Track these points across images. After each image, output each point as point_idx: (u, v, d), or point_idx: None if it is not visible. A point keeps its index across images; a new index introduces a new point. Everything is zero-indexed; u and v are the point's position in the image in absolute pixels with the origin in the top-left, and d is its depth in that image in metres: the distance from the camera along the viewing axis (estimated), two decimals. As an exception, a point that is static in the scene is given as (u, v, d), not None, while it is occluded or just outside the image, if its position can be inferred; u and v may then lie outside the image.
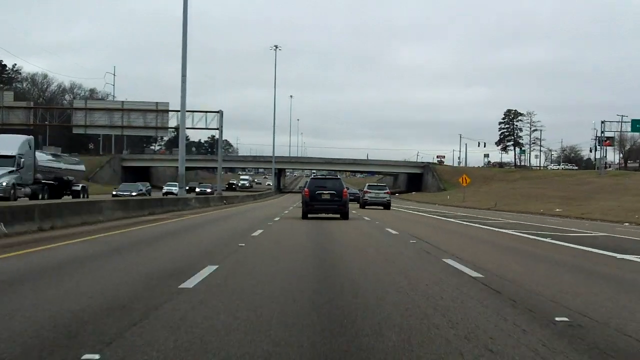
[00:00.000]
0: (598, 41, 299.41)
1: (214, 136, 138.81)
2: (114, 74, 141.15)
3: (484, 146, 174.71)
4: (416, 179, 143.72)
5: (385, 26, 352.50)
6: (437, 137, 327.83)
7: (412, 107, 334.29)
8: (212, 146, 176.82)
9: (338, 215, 30.13)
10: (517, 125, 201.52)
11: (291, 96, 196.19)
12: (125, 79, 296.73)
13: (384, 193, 50.76)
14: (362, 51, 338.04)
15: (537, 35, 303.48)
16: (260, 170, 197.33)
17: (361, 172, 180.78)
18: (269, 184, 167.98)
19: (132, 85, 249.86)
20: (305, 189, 30.29)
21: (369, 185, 56.28)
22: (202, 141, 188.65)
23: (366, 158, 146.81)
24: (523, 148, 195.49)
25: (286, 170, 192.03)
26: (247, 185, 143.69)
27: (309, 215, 29.89)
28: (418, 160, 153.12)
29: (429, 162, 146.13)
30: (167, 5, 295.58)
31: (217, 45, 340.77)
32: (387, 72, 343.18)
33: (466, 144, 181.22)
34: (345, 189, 30.24)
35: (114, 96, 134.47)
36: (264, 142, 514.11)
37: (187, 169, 71.31)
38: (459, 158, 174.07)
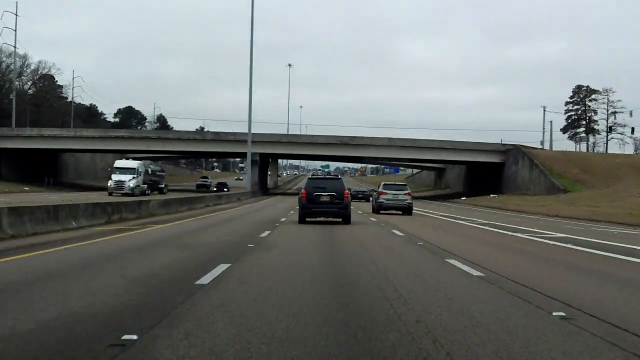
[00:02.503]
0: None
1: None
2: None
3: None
4: (491, 173, 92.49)
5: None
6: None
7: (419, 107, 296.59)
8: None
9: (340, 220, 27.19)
10: (589, 106, 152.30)
11: (289, 65, 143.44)
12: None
13: (404, 194, 38.87)
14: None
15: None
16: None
17: (397, 163, 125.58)
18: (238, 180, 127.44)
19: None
20: (303, 190, 27.58)
21: (385, 185, 41.23)
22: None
23: (411, 138, 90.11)
24: (599, 133, 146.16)
25: (278, 161, 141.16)
26: (207, 184, 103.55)
27: (307, 220, 27.30)
28: (491, 142, 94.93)
29: (519, 144, 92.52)
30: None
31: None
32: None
33: (551, 121, 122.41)
34: (347, 190, 27.41)
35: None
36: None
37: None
38: (541, 142, 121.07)
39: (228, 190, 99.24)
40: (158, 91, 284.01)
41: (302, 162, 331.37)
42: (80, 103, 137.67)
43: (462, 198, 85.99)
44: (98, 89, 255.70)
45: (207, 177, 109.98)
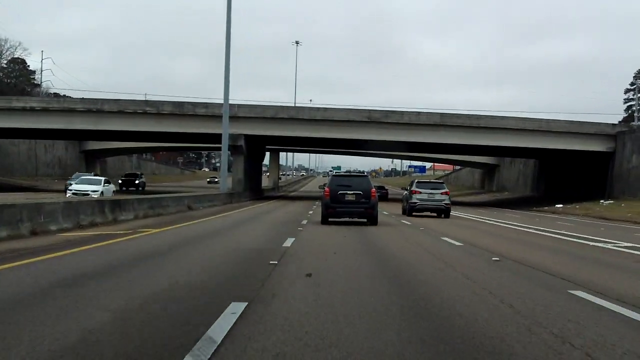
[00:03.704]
0: None
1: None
2: None
3: None
4: (587, 168, 62.59)
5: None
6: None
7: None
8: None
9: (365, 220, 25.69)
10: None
11: (297, 42, 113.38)
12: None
13: (441, 194, 34.77)
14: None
15: None
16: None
17: (449, 158, 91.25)
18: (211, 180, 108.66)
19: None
20: (326, 188, 25.96)
21: (418, 183, 36.47)
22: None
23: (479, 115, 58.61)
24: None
25: (280, 156, 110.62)
26: (137, 183, 73.64)
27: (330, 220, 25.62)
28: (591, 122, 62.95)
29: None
30: None
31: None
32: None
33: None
34: (374, 189, 25.89)
35: None
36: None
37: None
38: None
39: (139, 189, 69.76)
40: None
41: (311, 160, 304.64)
42: (54, 93, 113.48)
43: (558, 206, 55.65)
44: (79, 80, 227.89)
45: (137, 174, 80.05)
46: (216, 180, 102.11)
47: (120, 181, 71.93)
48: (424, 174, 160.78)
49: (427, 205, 34.56)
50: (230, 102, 53.46)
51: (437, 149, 71.27)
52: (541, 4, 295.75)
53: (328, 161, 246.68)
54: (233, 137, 55.98)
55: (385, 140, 59.24)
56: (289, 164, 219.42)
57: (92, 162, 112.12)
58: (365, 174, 30.67)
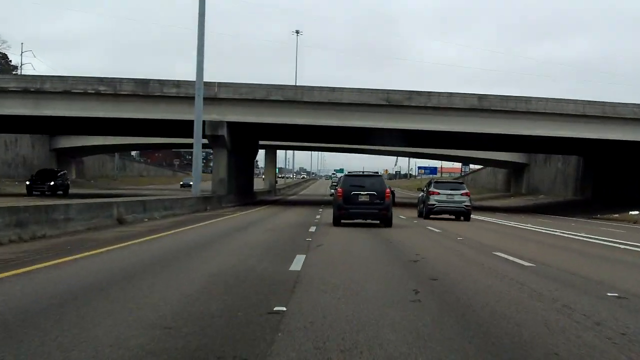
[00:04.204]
0: None
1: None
2: None
3: None
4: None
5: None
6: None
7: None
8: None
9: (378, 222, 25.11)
10: None
11: (297, 31, 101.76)
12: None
13: (461, 195, 32.61)
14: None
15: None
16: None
17: (476, 157, 76.14)
18: (185, 183, 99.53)
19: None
20: (339, 189, 25.15)
21: (436, 183, 34.84)
22: None
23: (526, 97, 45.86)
24: None
25: (277, 155, 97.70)
26: (54, 185, 54.63)
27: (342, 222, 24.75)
28: None
29: None
30: None
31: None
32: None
33: None
34: (388, 189, 25.33)
35: None
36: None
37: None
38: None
39: (58, 192, 54.38)
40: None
41: (313, 163, 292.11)
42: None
43: (634, 213, 43.09)
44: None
45: (57, 171, 60.07)
46: (190, 183, 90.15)
47: (28, 182, 55.19)
48: (434, 176, 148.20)
49: (446, 207, 32.63)
50: (209, 79, 40.94)
51: (468, 142, 58.21)
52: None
53: (330, 164, 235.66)
54: (213, 125, 43.51)
55: (407, 130, 46.47)
56: (289, 166, 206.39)
57: (65, 162, 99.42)
58: (379, 174, 29.99)
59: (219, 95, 43.73)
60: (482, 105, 45.42)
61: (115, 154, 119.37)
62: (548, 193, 75.09)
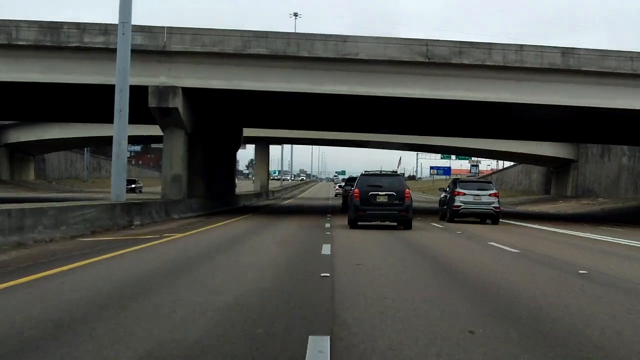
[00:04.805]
0: None
1: None
2: None
3: None
4: None
5: None
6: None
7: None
8: None
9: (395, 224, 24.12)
10: None
11: (295, 14, 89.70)
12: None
13: (489, 195, 30.77)
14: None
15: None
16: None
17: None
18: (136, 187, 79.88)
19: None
20: (355, 189, 24.30)
21: (462, 183, 32.66)
22: None
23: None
24: None
25: (270, 150, 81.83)
26: None
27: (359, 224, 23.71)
28: None
29: None
30: None
31: None
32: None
33: None
34: (408, 189, 24.25)
35: None
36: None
37: None
38: None
39: None
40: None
41: (313, 164, 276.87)
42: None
43: None
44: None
45: None
46: (133, 185, 75.16)
47: None
48: (448, 176, 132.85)
49: (472, 209, 30.46)
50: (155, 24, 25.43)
51: (521, 126, 42.26)
52: None
53: (331, 165, 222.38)
54: (160, 93, 28.61)
55: (459, 101, 31.17)
56: (287, 168, 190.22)
57: (21, 160, 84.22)
58: (398, 173, 29.24)
59: (169, 46, 28.49)
60: (567, 65, 30.21)
61: (86, 150, 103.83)
62: (610, 195, 59.87)
